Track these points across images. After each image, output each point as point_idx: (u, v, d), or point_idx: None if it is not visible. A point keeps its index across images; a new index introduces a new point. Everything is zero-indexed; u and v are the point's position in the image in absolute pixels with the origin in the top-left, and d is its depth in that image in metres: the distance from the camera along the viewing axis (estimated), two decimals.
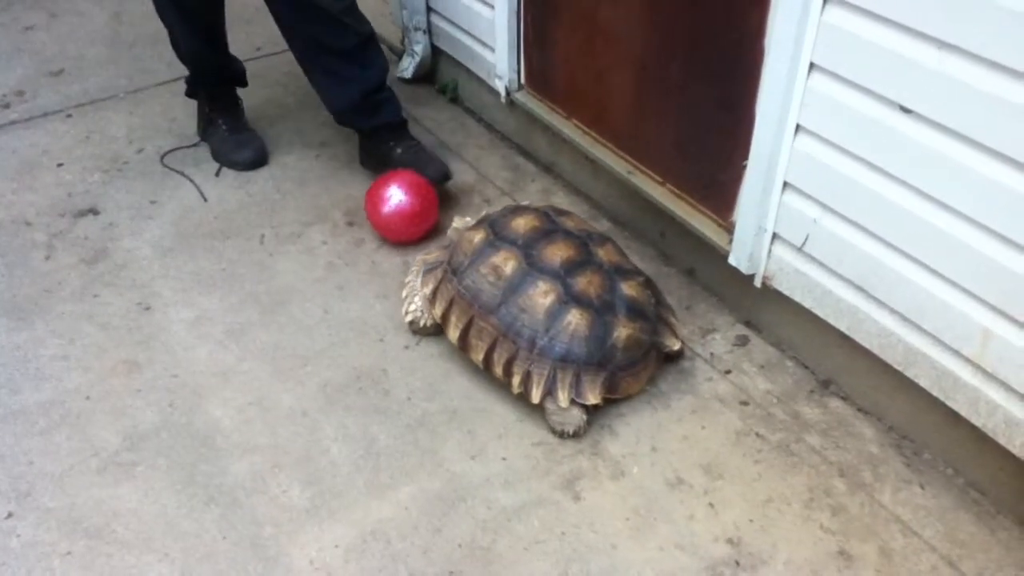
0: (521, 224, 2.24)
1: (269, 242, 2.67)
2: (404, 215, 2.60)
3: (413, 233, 2.65)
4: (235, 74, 3.01)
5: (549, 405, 2.09)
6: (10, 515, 1.92)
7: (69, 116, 3.22)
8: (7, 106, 3.27)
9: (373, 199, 2.61)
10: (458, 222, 2.47)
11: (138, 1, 3.45)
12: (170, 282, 2.52)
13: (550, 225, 2.25)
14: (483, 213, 2.44)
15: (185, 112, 3.20)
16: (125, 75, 3.45)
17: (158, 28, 2.87)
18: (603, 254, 2.22)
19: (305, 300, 2.48)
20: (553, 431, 2.11)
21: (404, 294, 2.35)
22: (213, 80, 2.97)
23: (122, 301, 2.45)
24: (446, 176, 2.82)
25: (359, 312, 2.44)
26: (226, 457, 2.05)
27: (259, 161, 2.97)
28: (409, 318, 2.32)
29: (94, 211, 2.78)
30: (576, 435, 2.09)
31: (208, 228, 2.72)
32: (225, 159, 2.97)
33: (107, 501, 1.95)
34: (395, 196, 2.58)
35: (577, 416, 2.08)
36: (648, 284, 2.28)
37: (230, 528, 1.90)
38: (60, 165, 2.98)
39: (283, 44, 3.39)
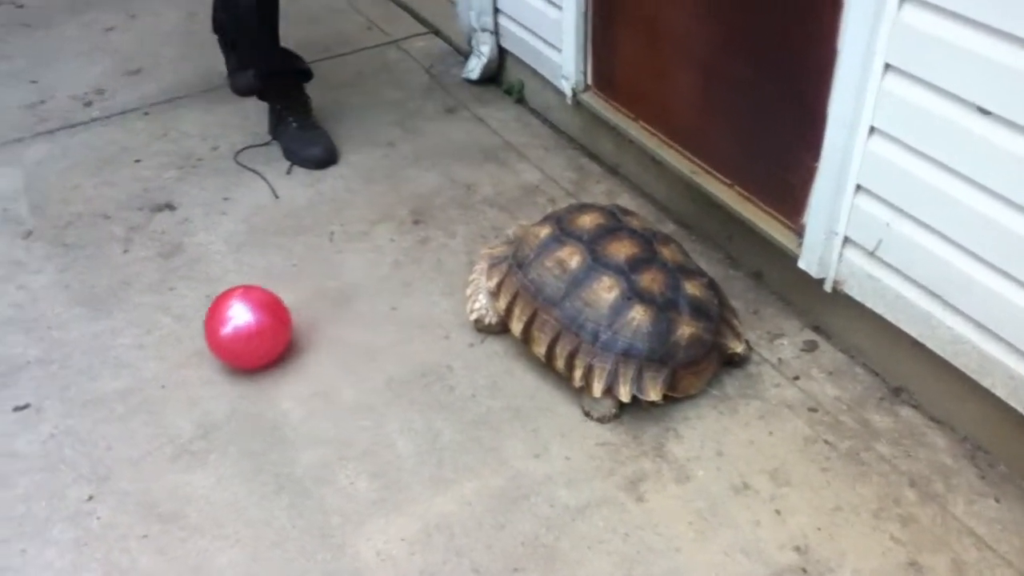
0: (587, 220, 2.25)
1: (338, 239, 2.72)
2: (250, 337, 2.21)
3: (261, 359, 2.28)
4: (299, 70, 3.06)
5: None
6: (91, 498, 1.99)
7: (146, 114, 3.32)
8: (88, 104, 3.38)
9: (212, 319, 2.25)
10: (518, 230, 2.49)
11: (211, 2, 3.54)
12: (242, 276, 2.58)
13: (615, 223, 2.26)
14: (547, 212, 2.46)
15: (257, 111, 3.27)
16: (199, 74, 3.53)
17: None
18: (667, 253, 2.23)
19: (372, 296, 2.51)
20: (583, 411, 2.14)
21: (468, 292, 2.38)
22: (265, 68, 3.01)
23: (196, 294, 2.52)
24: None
25: (424, 309, 2.47)
26: (294, 448, 2.09)
27: (329, 159, 3.02)
28: (474, 316, 2.34)
29: (170, 206, 2.85)
30: (601, 421, 2.12)
31: (279, 225, 2.78)
32: (296, 156, 3.03)
33: (181, 487, 2.01)
34: (239, 316, 2.21)
35: (607, 405, 2.11)
36: (711, 285, 2.27)
37: (298, 517, 1.94)
38: (138, 161, 3.06)
39: (350, 45, 3.44)
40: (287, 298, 2.49)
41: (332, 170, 3.01)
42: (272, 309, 2.27)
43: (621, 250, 2.17)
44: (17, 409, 2.20)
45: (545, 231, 2.26)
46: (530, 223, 2.42)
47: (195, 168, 3.03)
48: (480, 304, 2.33)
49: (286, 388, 2.24)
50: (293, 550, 1.88)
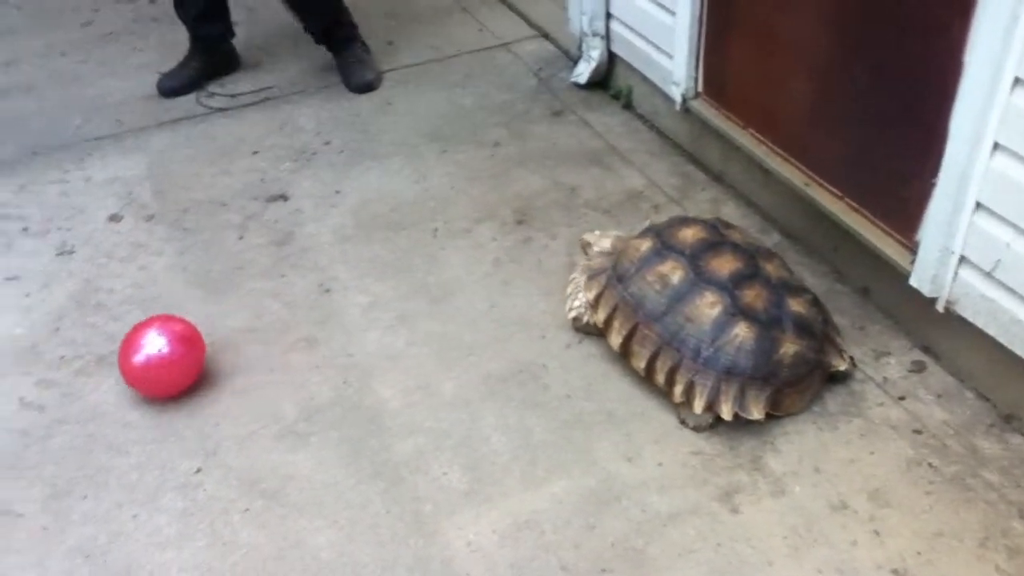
0: (688, 235, 2.24)
1: (441, 236, 2.77)
2: (163, 366, 2.20)
3: (174, 387, 2.26)
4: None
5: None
6: (198, 470, 2.08)
7: (264, 108, 3.44)
8: (210, 96, 3.52)
9: (125, 347, 2.24)
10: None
11: None
12: (348, 267, 2.65)
13: (717, 237, 2.24)
14: (647, 222, 2.45)
15: (370, 107, 3.36)
16: (315, 71, 3.64)
17: None
18: (771, 269, 2.20)
19: (472, 293, 2.55)
20: (679, 419, 2.13)
21: (568, 291, 2.39)
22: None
23: (305, 282, 2.60)
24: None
25: (523, 308, 2.49)
26: (392, 435, 2.14)
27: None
28: (573, 314, 2.35)
29: (284, 197, 2.96)
30: (697, 430, 2.10)
31: (385, 219, 2.85)
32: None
33: (283, 466, 2.08)
34: (153, 344, 2.20)
35: (705, 416, 2.09)
36: (815, 302, 2.23)
37: (393, 503, 1.99)
38: (255, 153, 3.18)
39: (460, 47, 3.51)
40: (389, 291, 2.56)
41: (438, 167, 3.07)
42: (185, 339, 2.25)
43: (724, 265, 2.15)
44: None
45: (646, 244, 2.25)
46: (629, 235, 2.42)
47: (308, 161, 3.13)
48: (579, 303, 2.34)
49: (386, 377, 2.30)
50: (386, 534, 1.93)
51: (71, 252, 2.75)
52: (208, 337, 2.41)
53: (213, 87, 3.54)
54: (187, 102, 3.47)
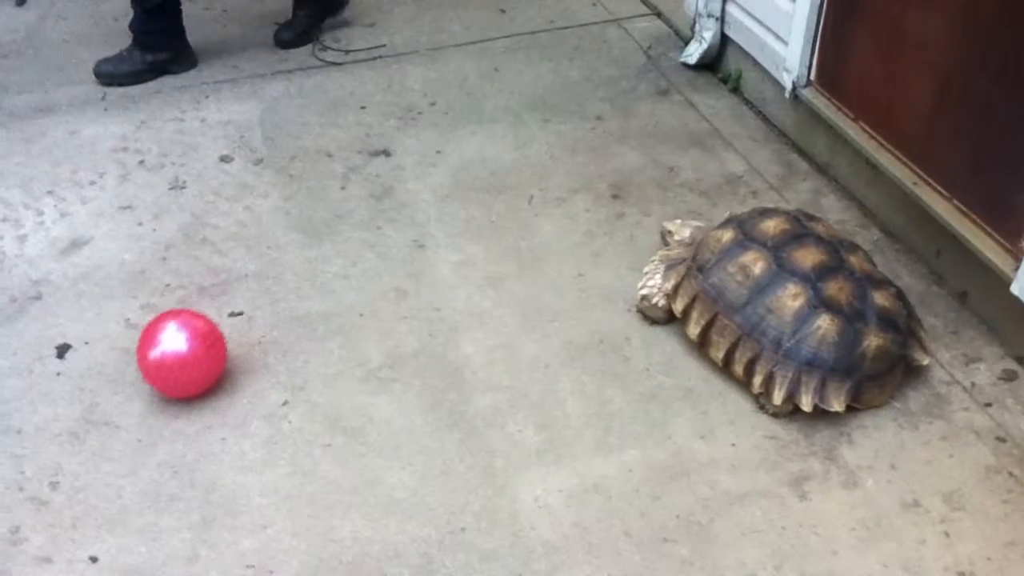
0: (771, 226, 2.22)
1: (536, 203, 2.80)
2: (182, 364, 2.11)
3: (192, 388, 2.17)
4: None
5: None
6: (285, 403, 2.18)
7: (375, 65, 3.52)
8: (324, 50, 3.62)
9: (144, 340, 2.15)
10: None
11: None
12: (443, 226, 2.71)
13: (800, 229, 2.23)
14: (726, 214, 2.44)
15: (478, 72, 3.41)
16: (427, 33, 3.71)
17: None
18: (855, 261, 2.18)
19: (561, 261, 2.58)
20: (758, 404, 2.12)
21: (646, 270, 2.39)
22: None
23: (400, 236, 2.68)
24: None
25: (610, 280, 2.51)
26: (471, 390, 2.20)
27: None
28: (643, 291, 2.34)
29: (386, 152, 3.03)
30: (776, 416, 2.09)
31: (483, 183, 2.90)
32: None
33: (365, 408, 2.16)
34: (170, 340, 2.11)
35: (784, 405, 2.08)
36: (899, 296, 2.21)
37: (467, 453, 2.05)
38: (363, 108, 3.27)
39: (573, 20, 3.52)
40: (481, 252, 2.61)
41: (539, 136, 3.09)
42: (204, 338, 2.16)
43: (807, 257, 2.14)
44: (232, 315, 2.42)
45: (728, 235, 2.25)
46: (709, 226, 2.43)
47: (414, 120, 3.19)
48: (654, 283, 2.34)
49: (471, 334, 2.35)
50: (458, 482, 1.99)
51: (182, 187, 2.88)
52: (304, 280, 2.51)
53: (328, 41, 3.64)
54: (302, 54, 3.57)
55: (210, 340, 2.17)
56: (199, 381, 2.17)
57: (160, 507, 1.96)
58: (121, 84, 3.36)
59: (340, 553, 1.86)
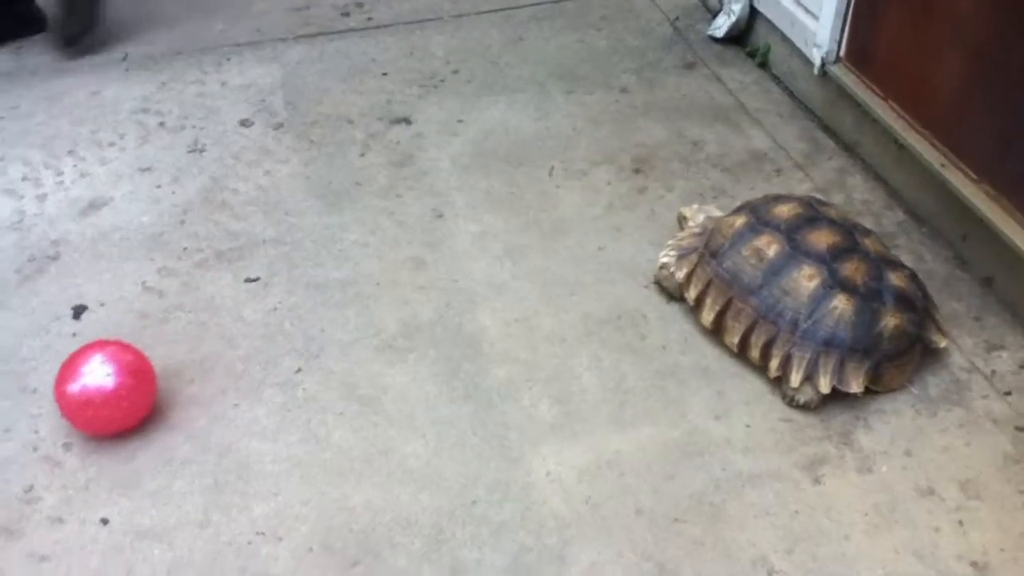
0: (784, 210, 2.21)
1: (557, 175, 2.78)
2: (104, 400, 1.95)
3: (115, 424, 2.02)
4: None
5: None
6: (299, 370, 2.18)
7: (397, 31, 3.48)
8: (347, 15, 3.59)
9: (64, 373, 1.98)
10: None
11: None
12: (463, 195, 2.69)
13: (813, 213, 2.22)
14: (738, 203, 2.41)
15: (501, 40, 3.37)
16: (451, 0, 3.66)
17: None
18: (869, 243, 2.18)
19: (581, 234, 2.56)
20: (784, 396, 2.08)
21: (670, 243, 2.37)
22: None
23: (419, 205, 2.66)
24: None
25: (631, 255, 2.49)
26: (487, 362, 2.19)
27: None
28: (664, 259, 2.33)
29: (407, 120, 3.01)
30: (806, 407, 2.06)
31: (504, 153, 2.87)
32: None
33: (380, 377, 2.16)
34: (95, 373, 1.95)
35: (811, 391, 2.04)
36: (914, 278, 2.19)
37: (481, 425, 2.04)
38: (384, 74, 3.24)
39: None
40: (500, 223, 2.59)
41: (561, 107, 3.06)
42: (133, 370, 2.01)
43: (822, 239, 2.12)
44: (249, 280, 2.42)
45: (740, 220, 2.23)
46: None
47: (436, 88, 3.16)
48: (674, 255, 2.32)
49: (489, 305, 2.34)
50: (471, 454, 1.98)
51: (202, 150, 2.87)
52: (322, 247, 2.50)
53: (351, 6, 3.60)
54: (325, 18, 3.54)
55: (138, 376, 2.02)
56: (120, 420, 2.01)
57: (172, 471, 1.97)
58: None
59: (351, 521, 1.87)
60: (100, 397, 1.95)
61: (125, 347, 2.05)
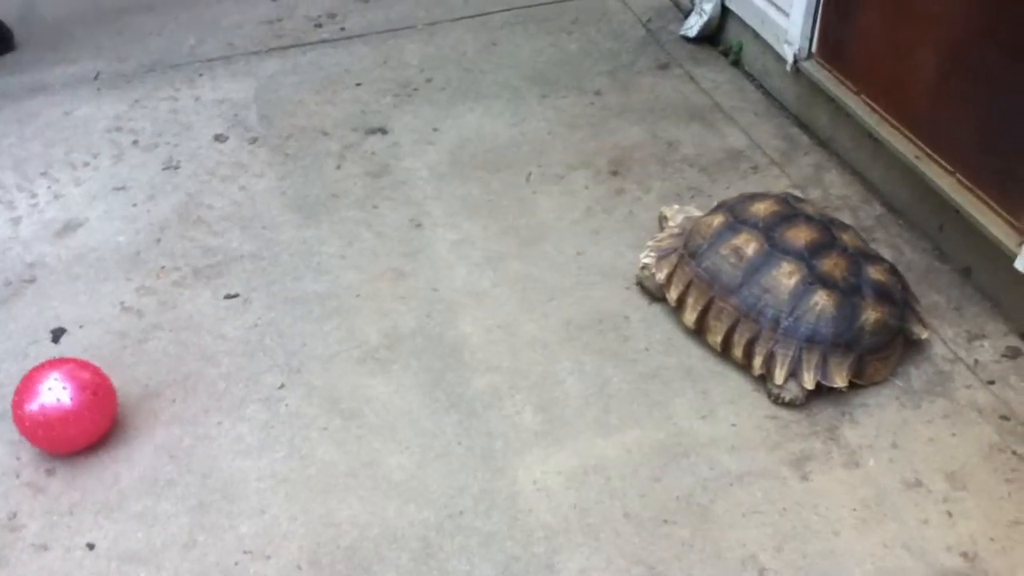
0: (761, 208, 2.22)
1: (534, 180, 2.77)
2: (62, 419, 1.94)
3: (74, 442, 2.01)
4: None
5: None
6: (282, 386, 2.16)
7: (371, 40, 3.48)
8: (319, 26, 3.58)
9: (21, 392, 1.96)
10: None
11: None
12: (441, 204, 2.68)
13: (790, 210, 2.22)
14: (715, 202, 2.41)
15: (475, 47, 3.36)
16: (424, 7, 3.66)
17: None
18: (847, 238, 2.18)
19: (560, 239, 2.56)
20: (769, 395, 2.08)
21: (650, 243, 2.37)
22: None
23: (397, 215, 2.65)
24: None
25: (610, 258, 2.49)
26: (470, 370, 2.18)
27: None
28: (644, 260, 2.33)
29: (383, 130, 3.00)
30: (791, 404, 2.05)
31: (481, 160, 2.86)
32: None
33: (363, 389, 2.14)
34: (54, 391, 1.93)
35: (796, 388, 2.04)
36: (893, 271, 2.20)
37: (465, 435, 2.03)
38: (358, 84, 3.23)
39: None
40: (479, 231, 2.58)
41: (537, 112, 3.06)
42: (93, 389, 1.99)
43: (800, 236, 2.13)
44: (228, 297, 2.40)
45: (718, 220, 2.23)
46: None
47: (410, 97, 3.15)
48: (653, 258, 2.32)
49: (469, 314, 2.33)
50: (456, 464, 1.97)
51: (176, 167, 2.85)
52: (300, 261, 2.48)
53: (324, 18, 3.59)
54: (298, 30, 3.53)
55: (98, 393, 2.00)
56: (79, 438, 1.99)
57: (157, 492, 1.95)
58: None
59: (338, 537, 1.85)
60: (58, 415, 1.93)
61: (83, 364, 2.03)
